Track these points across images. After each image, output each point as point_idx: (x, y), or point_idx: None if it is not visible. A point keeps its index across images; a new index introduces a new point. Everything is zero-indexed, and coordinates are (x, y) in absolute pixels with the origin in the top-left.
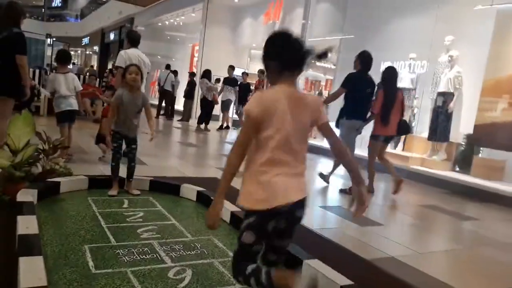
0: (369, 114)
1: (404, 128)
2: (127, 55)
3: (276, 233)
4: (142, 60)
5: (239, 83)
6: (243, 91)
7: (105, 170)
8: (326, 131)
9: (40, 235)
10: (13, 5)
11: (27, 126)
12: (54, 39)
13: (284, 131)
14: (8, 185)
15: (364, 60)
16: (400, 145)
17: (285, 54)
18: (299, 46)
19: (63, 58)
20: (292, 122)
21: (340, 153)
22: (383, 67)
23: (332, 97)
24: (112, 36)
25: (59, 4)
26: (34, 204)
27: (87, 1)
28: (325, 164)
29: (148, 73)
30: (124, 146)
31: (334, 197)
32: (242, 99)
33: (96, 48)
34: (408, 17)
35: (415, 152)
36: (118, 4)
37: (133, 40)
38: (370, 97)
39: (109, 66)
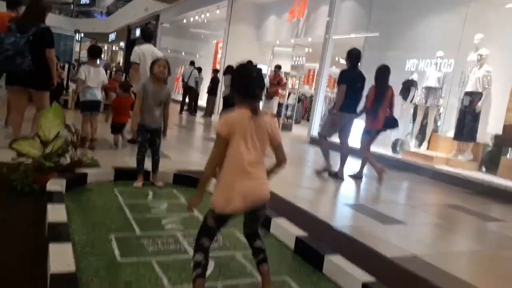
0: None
1: (392, 123)
2: (141, 51)
3: (245, 218)
4: (155, 54)
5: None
6: None
7: (131, 162)
8: (278, 149)
9: (68, 223)
10: (38, 1)
11: (57, 119)
12: (82, 35)
13: (246, 146)
14: (39, 174)
15: (352, 57)
16: (425, 144)
17: (248, 87)
18: (259, 80)
19: (94, 52)
20: (252, 139)
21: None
22: (408, 65)
23: (339, 99)
24: (138, 32)
25: (87, 1)
26: (62, 194)
27: None
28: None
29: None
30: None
31: (356, 195)
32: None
33: (122, 44)
34: (436, 15)
35: (439, 151)
36: (144, 1)
37: (147, 36)
38: (361, 90)
39: None
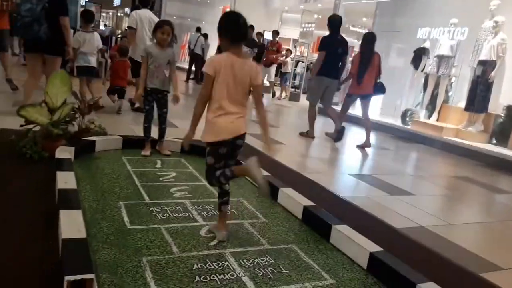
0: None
1: (380, 89)
2: (138, 16)
3: (227, 156)
4: (153, 20)
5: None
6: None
7: (138, 130)
8: (257, 92)
9: (78, 190)
10: None
11: (64, 85)
12: (86, 0)
13: (229, 86)
14: (47, 141)
15: (334, 23)
16: (435, 115)
17: (233, 33)
18: (244, 26)
19: (88, 17)
20: (234, 79)
21: (260, 116)
22: (420, 33)
23: (317, 64)
24: None
25: None
26: (71, 161)
27: None
28: (355, 132)
29: None
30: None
31: (364, 166)
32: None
33: (127, 10)
34: None
35: (450, 122)
36: None
37: (144, 1)
38: (343, 56)
39: None
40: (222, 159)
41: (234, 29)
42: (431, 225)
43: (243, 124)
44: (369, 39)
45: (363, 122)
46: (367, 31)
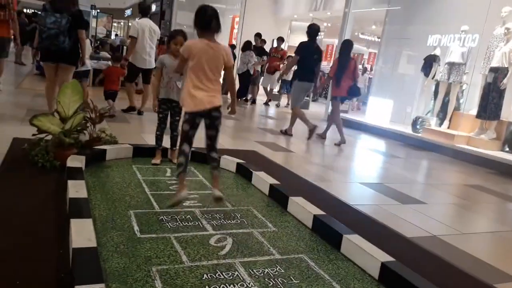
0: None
1: (355, 91)
2: (139, 25)
3: (206, 126)
4: (153, 29)
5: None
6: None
7: (148, 139)
8: (229, 71)
9: (89, 199)
10: None
11: (75, 95)
12: (98, 10)
13: (202, 65)
14: (59, 150)
15: (311, 31)
16: (446, 122)
17: (201, 22)
18: (209, 17)
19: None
20: (208, 60)
21: (230, 85)
22: (430, 40)
23: (289, 65)
24: (153, 7)
25: None
26: (82, 170)
27: None
28: (365, 140)
29: (157, 40)
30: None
31: (375, 174)
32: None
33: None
34: None
35: (461, 130)
36: None
37: (144, 11)
38: (318, 62)
39: None
40: (196, 127)
41: (201, 19)
42: (443, 234)
43: (218, 98)
44: (346, 46)
45: (334, 121)
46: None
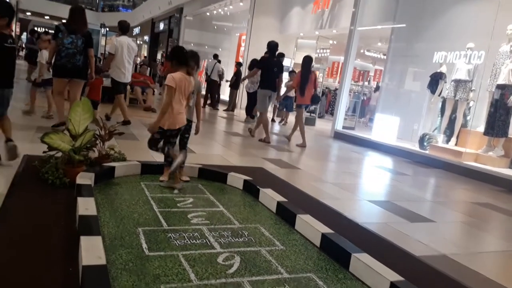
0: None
1: (315, 99)
2: (118, 42)
3: (181, 134)
4: (131, 46)
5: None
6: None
7: (157, 156)
8: (198, 97)
9: (98, 216)
10: (84, 10)
11: (86, 113)
12: (107, 29)
13: (181, 96)
14: (68, 167)
15: (270, 48)
16: (453, 139)
17: (179, 59)
18: (185, 56)
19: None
20: (185, 91)
21: (198, 107)
22: (436, 57)
23: (250, 75)
24: (161, 26)
25: None
26: (92, 187)
27: None
28: (372, 157)
29: (135, 56)
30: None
31: (383, 192)
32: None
33: (146, 38)
34: (466, 5)
35: (469, 147)
36: None
37: (123, 29)
38: (278, 74)
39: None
40: (164, 138)
41: (183, 56)
42: (453, 253)
43: (184, 119)
44: (307, 62)
45: (298, 126)
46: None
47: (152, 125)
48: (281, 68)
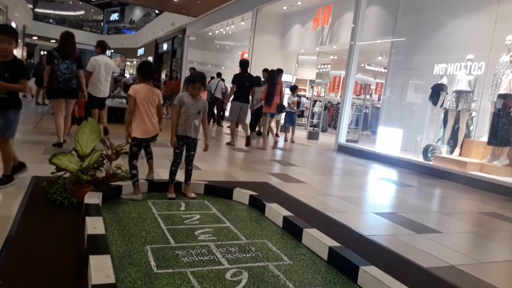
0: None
1: (281, 108)
2: (96, 61)
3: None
4: (108, 64)
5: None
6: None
7: (162, 174)
8: (160, 107)
9: (106, 235)
10: (73, 36)
11: (93, 133)
12: (112, 51)
13: (144, 104)
14: (76, 187)
15: (241, 65)
16: (457, 150)
17: (148, 72)
18: (152, 70)
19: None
20: (149, 101)
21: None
22: (436, 69)
23: (230, 94)
24: (165, 46)
25: (117, 18)
26: (100, 206)
27: (142, 14)
28: (376, 169)
29: (113, 72)
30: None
31: (388, 204)
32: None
33: (150, 58)
34: (465, 17)
35: (473, 157)
36: (171, 15)
37: (102, 48)
38: (249, 87)
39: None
40: (141, 148)
41: (148, 70)
42: (461, 264)
43: (157, 127)
44: (273, 75)
45: (270, 129)
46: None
47: (125, 135)
48: (253, 82)
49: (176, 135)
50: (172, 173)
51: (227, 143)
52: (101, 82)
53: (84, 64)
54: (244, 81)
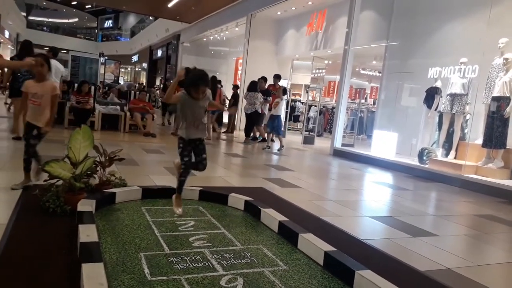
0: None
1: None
2: None
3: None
4: (58, 68)
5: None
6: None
7: (157, 181)
8: (54, 98)
9: (99, 242)
10: (31, 43)
11: (86, 140)
12: (106, 57)
13: (36, 97)
14: (69, 195)
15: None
16: (452, 153)
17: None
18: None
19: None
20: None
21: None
22: (431, 72)
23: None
24: (159, 52)
25: (111, 25)
26: (93, 214)
27: (136, 20)
28: (372, 173)
29: (62, 76)
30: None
31: (384, 207)
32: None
33: (144, 65)
34: (457, 21)
35: (468, 160)
36: (165, 22)
37: (54, 53)
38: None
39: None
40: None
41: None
42: (457, 266)
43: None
44: (214, 81)
45: (214, 123)
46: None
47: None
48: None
49: (182, 139)
50: (181, 184)
51: (172, 133)
52: None
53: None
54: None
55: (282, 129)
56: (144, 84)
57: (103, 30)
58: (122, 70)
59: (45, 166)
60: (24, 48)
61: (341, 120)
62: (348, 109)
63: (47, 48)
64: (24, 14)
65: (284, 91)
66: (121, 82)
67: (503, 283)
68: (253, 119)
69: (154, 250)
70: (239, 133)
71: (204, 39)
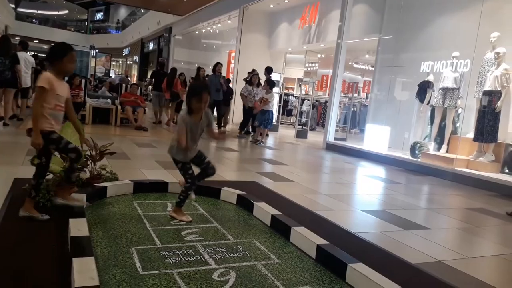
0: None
1: (175, 96)
2: (19, 56)
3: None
4: (28, 59)
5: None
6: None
7: (149, 175)
8: (69, 101)
9: (90, 237)
10: (9, 39)
11: (75, 134)
12: (97, 50)
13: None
14: (59, 189)
15: (158, 63)
16: (444, 146)
17: (56, 57)
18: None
19: (18, 61)
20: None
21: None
22: (423, 67)
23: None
24: (151, 45)
25: (101, 17)
26: (84, 208)
27: (127, 13)
28: (364, 167)
29: (32, 67)
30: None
31: (376, 201)
32: None
33: (136, 58)
34: (450, 15)
35: (459, 154)
36: (157, 14)
37: (24, 46)
38: (162, 79)
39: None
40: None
41: (61, 55)
42: (448, 259)
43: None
44: (172, 73)
45: (165, 111)
46: (371, 67)
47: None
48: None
49: (179, 160)
50: (185, 198)
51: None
52: (21, 74)
53: (18, 61)
54: (159, 76)
55: (274, 123)
56: (136, 83)
57: (93, 22)
58: (113, 63)
59: (34, 160)
60: (1, 43)
61: (334, 114)
62: (341, 103)
63: (37, 40)
64: (13, 5)
65: (270, 82)
66: (112, 75)
67: (494, 275)
68: (249, 115)
69: (146, 244)
70: (232, 128)
71: (196, 32)
